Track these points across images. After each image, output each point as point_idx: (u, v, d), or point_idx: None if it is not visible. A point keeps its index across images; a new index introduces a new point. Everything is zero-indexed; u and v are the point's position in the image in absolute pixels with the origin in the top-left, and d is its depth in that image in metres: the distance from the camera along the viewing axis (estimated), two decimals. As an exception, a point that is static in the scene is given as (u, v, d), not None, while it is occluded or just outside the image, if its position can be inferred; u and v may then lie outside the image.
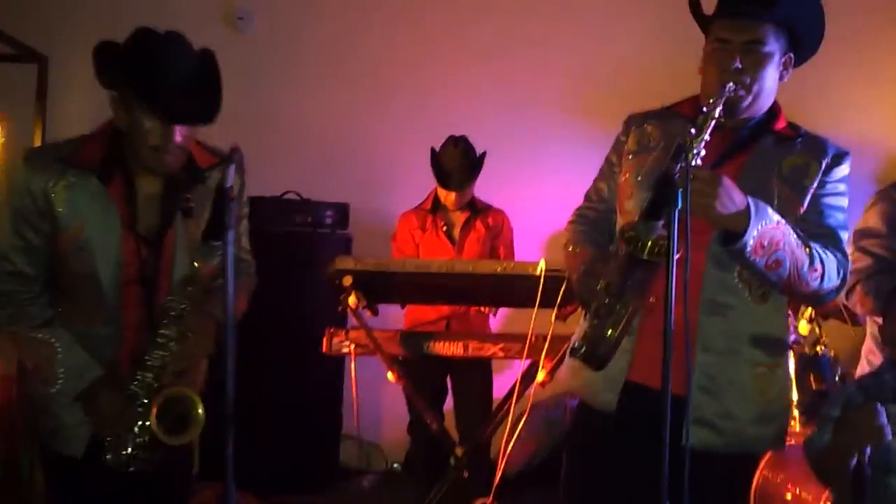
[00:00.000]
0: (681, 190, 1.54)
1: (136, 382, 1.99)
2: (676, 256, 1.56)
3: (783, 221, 1.85)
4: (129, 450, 1.99)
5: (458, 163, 3.72)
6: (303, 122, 4.51)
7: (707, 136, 1.74)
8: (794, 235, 1.87)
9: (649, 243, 1.70)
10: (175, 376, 1.99)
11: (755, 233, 1.78)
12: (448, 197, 3.75)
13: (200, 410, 1.99)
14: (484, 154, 3.78)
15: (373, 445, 4.56)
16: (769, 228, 1.81)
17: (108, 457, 1.99)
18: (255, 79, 4.28)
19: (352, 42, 4.70)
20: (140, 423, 1.98)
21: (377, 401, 4.30)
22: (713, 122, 1.77)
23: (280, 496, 3.81)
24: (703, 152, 1.72)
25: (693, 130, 1.71)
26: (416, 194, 3.98)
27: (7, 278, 1.97)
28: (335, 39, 4.68)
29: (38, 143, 2.84)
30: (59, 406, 2.02)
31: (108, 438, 2.00)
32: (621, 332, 1.81)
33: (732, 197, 1.77)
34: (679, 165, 1.60)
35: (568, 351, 1.91)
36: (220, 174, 2.04)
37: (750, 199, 1.80)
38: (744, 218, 1.78)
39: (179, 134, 1.92)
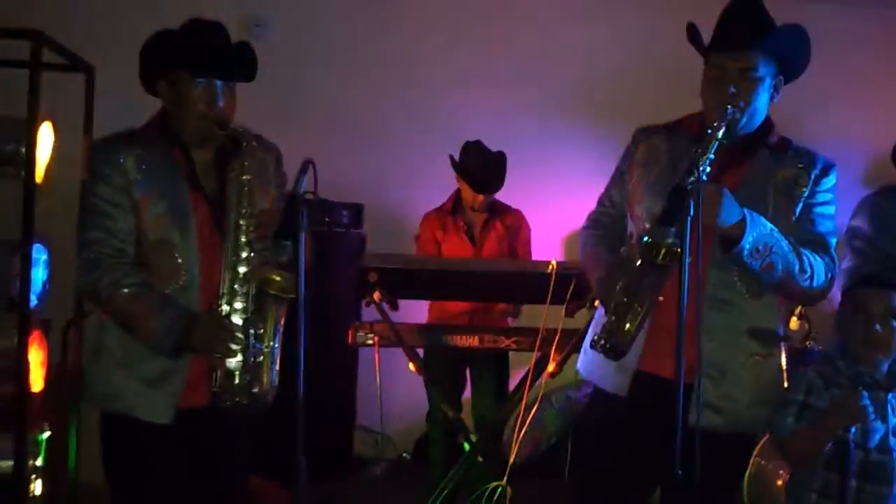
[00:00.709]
0: (692, 200, 1.77)
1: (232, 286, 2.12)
2: (688, 262, 1.79)
3: (776, 229, 2.09)
4: (238, 375, 2.10)
5: (487, 166, 3.84)
6: (318, 126, 4.65)
7: (712, 156, 1.96)
8: (786, 242, 2.10)
9: (664, 249, 1.91)
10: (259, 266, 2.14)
11: (751, 239, 2.03)
12: (476, 199, 3.86)
13: (279, 278, 2.13)
14: (504, 154, 3.89)
15: (384, 435, 4.73)
16: (763, 235, 2.05)
17: (223, 402, 2.11)
18: (272, 85, 4.42)
19: (366, 47, 4.80)
20: (240, 327, 2.10)
21: (387, 393, 4.46)
22: (717, 144, 1.98)
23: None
24: (708, 169, 1.94)
25: (699, 150, 1.94)
26: (427, 195, 4.11)
27: (109, 251, 2.12)
28: (350, 44, 4.78)
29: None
30: (124, 369, 2.14)
31: (217, 389, 2.11)
32: (637, 326, 2.04)
33: (732, 208, 2.01)
34: (690, 179, 1.83)
35: (589, 343, 2.12)
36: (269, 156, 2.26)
37: (746, 210, 2.04)
38: (741, 227, 2.02)
39: (222, 98, 2.11)
